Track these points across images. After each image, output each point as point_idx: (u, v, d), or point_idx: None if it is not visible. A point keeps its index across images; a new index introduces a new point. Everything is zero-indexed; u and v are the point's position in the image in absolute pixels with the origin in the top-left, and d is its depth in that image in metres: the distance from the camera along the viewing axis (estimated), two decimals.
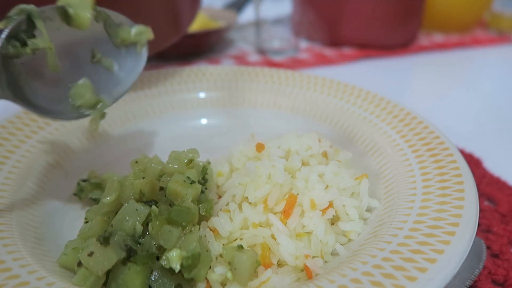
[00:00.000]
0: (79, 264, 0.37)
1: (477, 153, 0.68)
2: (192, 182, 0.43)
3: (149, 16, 0.66)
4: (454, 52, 1.23)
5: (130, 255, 0.38)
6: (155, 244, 0.39)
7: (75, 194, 0.51)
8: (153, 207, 0.40)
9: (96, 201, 0.49)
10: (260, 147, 0.51)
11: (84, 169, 0.55)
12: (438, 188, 0.43)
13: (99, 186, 0.51)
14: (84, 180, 0.51)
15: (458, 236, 0.36)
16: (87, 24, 0.44)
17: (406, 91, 0.99)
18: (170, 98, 0.70)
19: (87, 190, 0.51)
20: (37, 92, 0.43)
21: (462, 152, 0.68)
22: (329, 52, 1.17)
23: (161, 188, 0.44)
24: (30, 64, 0.42)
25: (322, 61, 1.10)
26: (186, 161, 0.46)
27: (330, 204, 0.45)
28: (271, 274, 0.40)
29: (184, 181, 0.43)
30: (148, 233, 0.40)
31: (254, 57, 1.14)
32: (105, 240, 0.37)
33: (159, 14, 0.69)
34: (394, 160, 0.51)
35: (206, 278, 0.40)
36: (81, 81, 0.45)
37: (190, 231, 0.40)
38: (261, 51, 1.16)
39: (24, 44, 0.41)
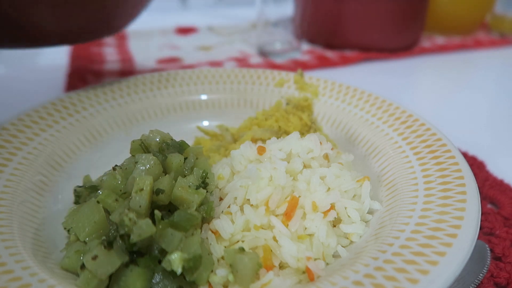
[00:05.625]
0: (82, 266, 0.37)
1: (481, 156, 0.68)
2: (197, 187, 0.43)
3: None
4: (456, 54, 1.23)
5: (132, 258, 0.38)
6: (157, 247, 0.39)
7: (75, 203, 0.50)
8: (156, 211, 0.40)
9: None
10: (261, 150, 0.51)
11: (85, 171, 0.55)
12: (440, 191, 0.43)
13: (95, 189, 0.50)
14: (79, 187, 0.51)
15: (460, 238, 0.36)
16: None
17: (408, 94, 0.99)
18: (172, 100, 0.70)
19: (84, 195, 0.50)
20: None
21: (465, 155, 0.68)
22: (331, 54, 1.17)
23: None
24: None
25: (324, 63, 1.10)
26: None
27: (332, 206, 0.45)
28: (272, 276, 0.40)
29: (189, 186, 0.43)
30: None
31: (255, 59, 1.14)
32: (109, 244, 0.37)
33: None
34: (396, 162, 0.51)
35: (208, 280, 0.40)
36: None
37: (192, 234, 0.40)
38: (263, 53, 1.16)
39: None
